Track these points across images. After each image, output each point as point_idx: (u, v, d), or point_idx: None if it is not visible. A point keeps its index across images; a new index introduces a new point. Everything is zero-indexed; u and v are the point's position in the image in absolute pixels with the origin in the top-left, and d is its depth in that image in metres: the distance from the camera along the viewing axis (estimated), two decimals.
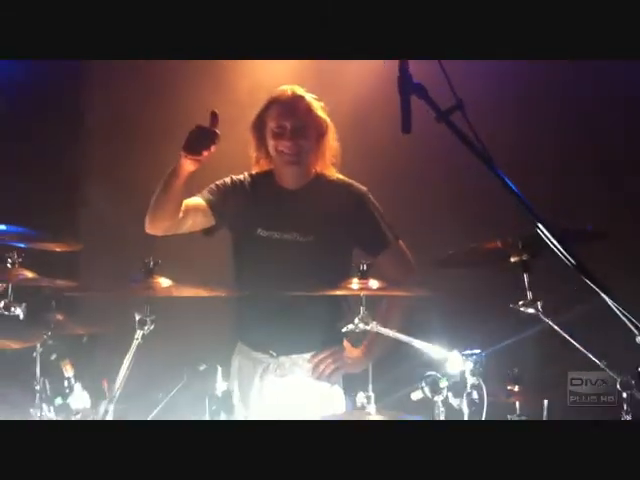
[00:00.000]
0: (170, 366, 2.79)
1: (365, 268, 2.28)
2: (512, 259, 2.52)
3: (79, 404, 2.30)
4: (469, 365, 1.97)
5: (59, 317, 2.83)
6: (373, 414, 2.42)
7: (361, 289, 2.29)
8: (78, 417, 2.16)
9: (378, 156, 3.64)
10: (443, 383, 2.20)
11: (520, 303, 2.52)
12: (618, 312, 1.80)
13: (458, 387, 2.00)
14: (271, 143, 2.88)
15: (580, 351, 2.33)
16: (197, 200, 2.90)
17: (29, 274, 2.50)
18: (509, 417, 2.65)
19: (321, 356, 2.83)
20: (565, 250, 1.81)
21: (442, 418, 2.20)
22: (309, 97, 2.93)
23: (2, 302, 2.39)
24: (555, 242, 1.84)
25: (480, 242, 2.61)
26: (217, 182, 2.98)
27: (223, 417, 2.08)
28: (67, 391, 2.29)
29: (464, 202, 3.47)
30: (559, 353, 2.47)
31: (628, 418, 2.31)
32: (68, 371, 2.33)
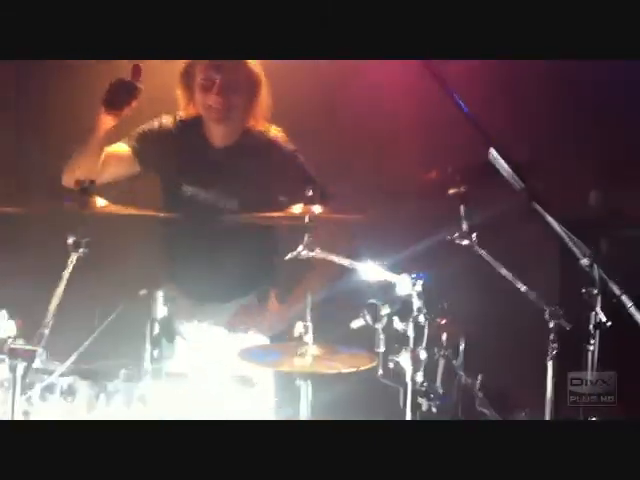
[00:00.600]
0: (107, 292, 2.68)
1: (311, 194, 2.24)
2: (450, 191, 2.55)
3: (3, 333, 2.16)
4: (418, 287, 1.99)
5: None
6: (310, 344, 2.42)
7: (304, 213, 2.25)
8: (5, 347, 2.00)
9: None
10: (384, 310, 2.22)
11: (455, 235, 2.57)
12: (564, 235, 1.87)
13: (404, 311, 2.01)
14: (199, 96, 2.74)
15: None
16: (121, 147, 2.77)
17: None
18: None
19: (237, 316, 2.82)
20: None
21: (382, 348, 2.22)
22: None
23: None
24: (506, 165, 1.88)
25: (418, 173, 2.63)
26: (143, 127, 2.85)
27: (165, 344, 2.01)
28: None
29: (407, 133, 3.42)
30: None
31: (555, 346, 2.41)
32: None
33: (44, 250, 2.74)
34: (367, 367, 2.32)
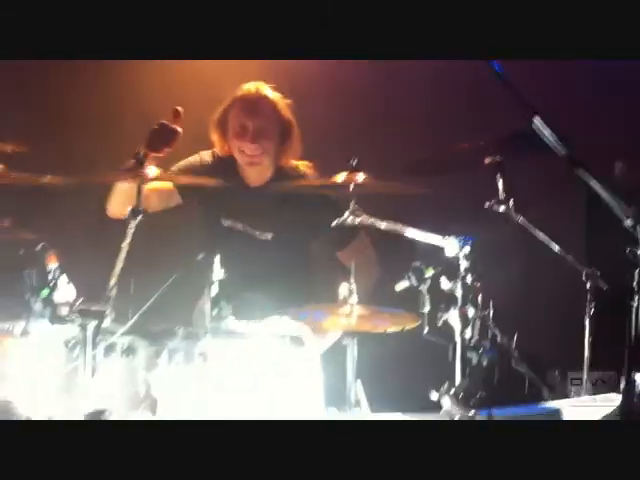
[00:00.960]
0: (164, 258, 2.79)
1: (354, 163, 2.32)
2: (486, 160, 2.64)
3: (63, 297, 2.28)
4: (466, 249, 2.08)
5: None
6: (355, 304, 2.52)
7: (349, 182, 2.34)
8: (65, 311, 2.12)
9: None
10: (428, 272, 2.32)
11: (493, 202, 2.66)
12: (607, 198, 1.95)
13: (451, 272, 2.11)
14: (233, 142, 2.88)
15: None
16: (163, 182, 2.86)
17: None
18: None
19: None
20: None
21: (427, 308, 2.32)
22: (274, 95, 2.91)
23: None
24: (550, 132, 1.95)
25: (452, 145, 2.71)
26: (184, 162, 2.98)
27: (224, 305, 2.13)
28: (51, 284, 2.26)
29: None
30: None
31: (592, 306, 2.51)
32: (52, 263, 2.29)
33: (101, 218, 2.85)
34: (412, 326, 2.44)
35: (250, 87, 2.90)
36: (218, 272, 2.17)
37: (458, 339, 2.08)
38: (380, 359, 2.68)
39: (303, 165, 3.00)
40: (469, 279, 2.08)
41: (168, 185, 2.91)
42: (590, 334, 2.56)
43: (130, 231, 2.17)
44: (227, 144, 2.92)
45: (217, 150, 2.98)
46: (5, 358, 2.31)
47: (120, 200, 2.71)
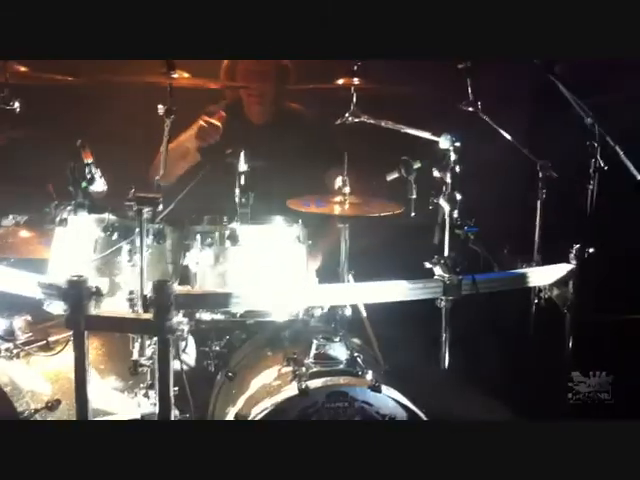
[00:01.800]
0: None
1: (355, 68, 2.65)
2: (459, 65, 2.99)
3: (98, 189, 2.54)
4: (457, 143, 2.47)
5: None
6: (347, 193, 2.90)
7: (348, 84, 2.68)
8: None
9: None
10: (416, 165, 2.71)
11: (463, 102, 3.04)
12: (571, 99, 2.36)
13: (442, 163, 2.50)
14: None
15: None
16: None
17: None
18: None
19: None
20: None
21: (414, 195, 2.73)
22: None
23: None
24: None
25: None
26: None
27: (250, 195, 2.46)
28: (89, 177, 2.51)
29: None
30: None
31: (544, 192, 2.97)
32: (88, 158, 2.52)
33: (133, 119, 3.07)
34: (399, 211, 2.85)
35: None
36: (243, 165, 2.49)
37: (447, 219, 2.50)
38: (370, 243, 3.09)
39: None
40: (457, 169, 2.48)
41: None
42: (540, 218, 3.03)
43: (167, 129, 2.45)
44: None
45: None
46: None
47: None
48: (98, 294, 2.25)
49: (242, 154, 2.48)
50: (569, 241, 2.82)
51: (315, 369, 2.49)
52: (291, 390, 2.37)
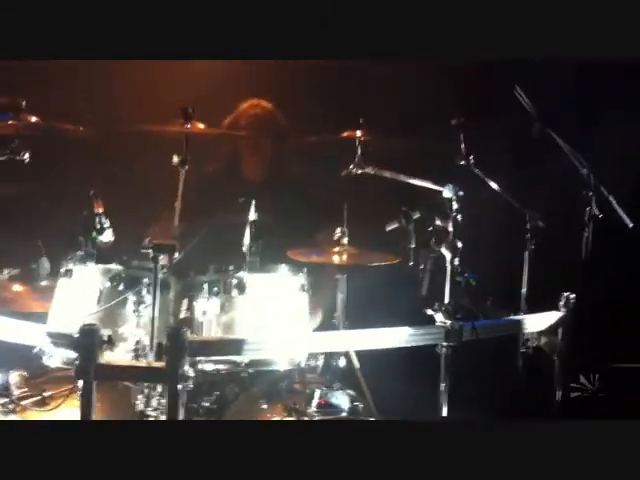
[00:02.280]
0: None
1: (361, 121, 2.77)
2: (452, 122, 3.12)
3: (107, 238, 2.56)
4: (459, 193, 2.57)
5: None
6: (346, 245, 2.97)
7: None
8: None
9: None
10: (416, 215, 2.80)
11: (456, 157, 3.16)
12: (569, 152, 2.47)
13: (444, 212, 2.59)
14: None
15: None
16: None
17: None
18: None
19: None
20: None
21: (413, 244, 2.80)
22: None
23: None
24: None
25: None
26: None
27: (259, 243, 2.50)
28: (98, 227, 2.53)
29: None
30: None
31: (533, 242, 3.06)
32: (99, 208, 2.54)
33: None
34: (397, 261, 2.92)
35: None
36: (253, 214, 2.54)
37: (449, 266, 2.58)
38: (367, 291, 3.15)
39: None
40: (459, 217, 2.57)
41: None
42: (528, 268, 3.12)
43: (182, 178, 2.50)
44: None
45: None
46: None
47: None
48: (110, 343, 2.24)
49: (253, 204, 2.54)
50: (557, 290, 2.93)
51: (318, 418, 2.50)
52: None
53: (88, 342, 2.17)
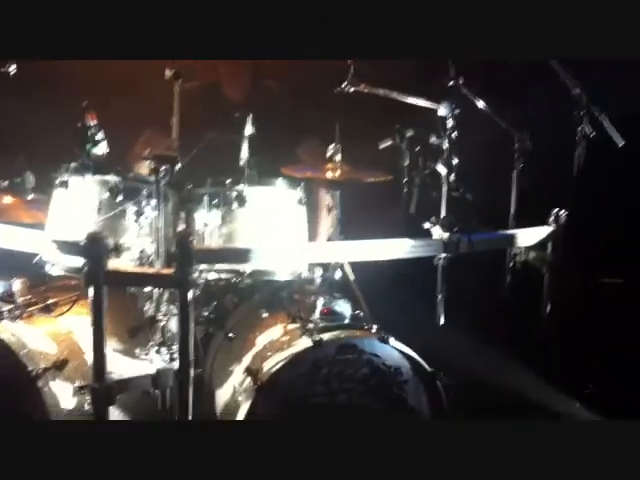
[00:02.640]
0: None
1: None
2: None
3: (100, 151, 2.54)
4: (456, 111, 2.61)
5: None
6: (339, 164, 3.00)
7: None
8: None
9: None
10: (409, 133, 2.85)
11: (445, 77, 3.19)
12: (561, 71, 2.52)
13: (440, 129, 2.64)
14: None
15: None
16: None
17: None
18: None
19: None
20: None
21: (406, 161, 2.87)
22: None
23: None
24: None
25: None
26: None
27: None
28: (93, 139, 2.50)
29: None
30: None
31: (521, 161, 3.13)
32: (92, 120, 2.51)
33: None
34: (389, 178, 2.97)
35: None
36: (249, 128, 2.55)
37: (444, 182, 2.64)
38: (361, 206, 3.21)
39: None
40: (454, 135, 2.62)
41: None
42: (517, 187, 3.21)
43: (176, 93, 2.48)
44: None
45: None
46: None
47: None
48: (117, 250, 2.27)
49: (249, 118, 2.54)
50: (546, 210, 3.01)
51: (322, 324, 2.58)
52: (304, 343, 2.46)
53: (96, 249, 2.19)
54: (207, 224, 2.52)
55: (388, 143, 2.93)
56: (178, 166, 2.31)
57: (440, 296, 2.71)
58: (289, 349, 2.48)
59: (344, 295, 2.69)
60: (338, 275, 2.95)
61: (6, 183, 3.08)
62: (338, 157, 3.00)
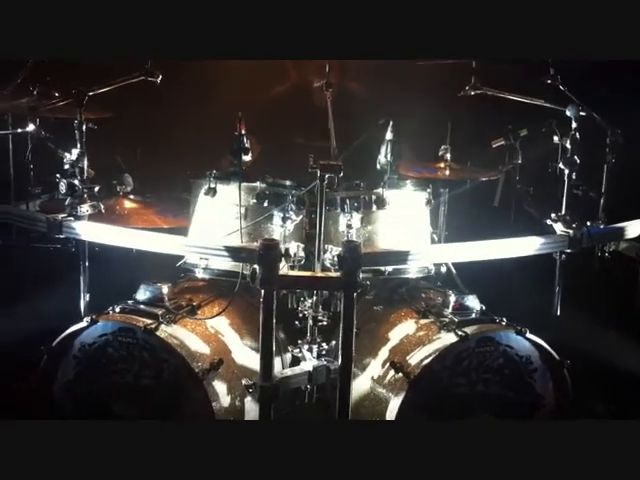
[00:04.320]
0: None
1: None
2: None
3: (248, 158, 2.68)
4: (581, 112, 2.75)
5: None
6: (449, 160, 3.15)
7: None
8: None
9: None
10: (523, 132, 3.00)
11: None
12: None
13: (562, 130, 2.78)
14: None
15: None
16: None
17: None
18: None
19: None
20: None
21: (520, 159, 3.02)
22: None
23: None
24: None
25: None
26: None
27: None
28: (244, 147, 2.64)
29: None
30: None
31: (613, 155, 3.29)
32: (243, 129, 2.64)
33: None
34: (498, 176, 3.13)
35: None
36: (390, 134, 2.69)
37: (566, 180, 2.79)
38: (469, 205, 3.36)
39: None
40: (577, 136, 2.76)
41: None
42: (606, 180, 3.36)
43: (329, 101, 2.61)
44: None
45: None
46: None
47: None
48: (287, 255, 2.40)
49: (390, 124, 2.67)
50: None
51: (459, 319, 2.73)
52: (449, 337, 2.61)
53: (271, 255, 2.32)
54: (351, 226, 2.66)
55: (501, 143, 3.08)
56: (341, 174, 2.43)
57: (558, 288, 2.88)
58: (432, 343, 2.63)
59: (471, 290, 2.83)
60: (444, 269, 3.10)
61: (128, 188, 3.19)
62: (448, 156, 3.16)
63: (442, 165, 3.16)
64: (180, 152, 3.96)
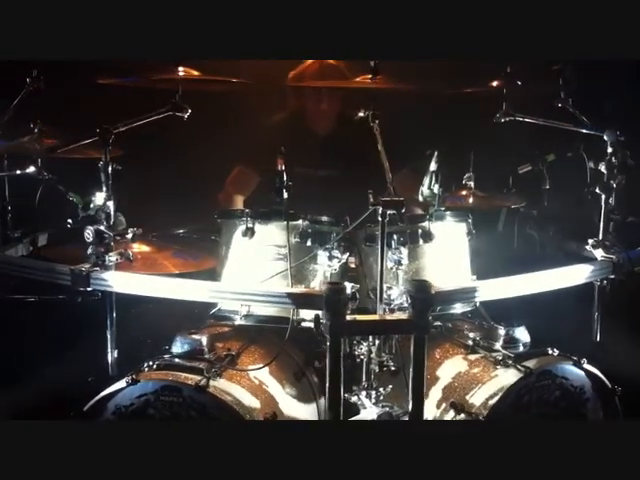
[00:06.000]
0: None
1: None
2: None
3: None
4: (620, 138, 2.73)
5: None
6: (473, 188, 3.07)
7: None
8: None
9: None
10: (550, 158, 2.96)
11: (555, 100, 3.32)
12: None
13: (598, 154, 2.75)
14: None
15: None
16: None
17: None
18: None
19: None
20: None
21: (547, 185, 2.97)
22: None
23: None
24: None
25: None
26: None
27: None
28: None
29: None
30: None
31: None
32: (281, 165, 2.46)
33: None
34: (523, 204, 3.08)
35: None
36: (434, 164, 2.58)
37: (602, 208, 2.76)
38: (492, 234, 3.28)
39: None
40: (614, 160, 2.74)
41: None
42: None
43: (377, 133, 2.48)
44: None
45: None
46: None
47: None
48: (354, 299, 2.24)
49: (435, 154, 2.57)
50: None
51: (514, 353, 2.63)
52: (510, 373, 2.51)
53: (339, 299, 2.16)
54: (401, 262, 2.53)
55: (528, 168, 3.04)
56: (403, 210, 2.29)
57: (597, 313, 2.84)
58: (492, 380, 2.52)
59: (521, 322, 2.75)
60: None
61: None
62: (471, 184, 3.09)
63: (464, 193, 3.09)
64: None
